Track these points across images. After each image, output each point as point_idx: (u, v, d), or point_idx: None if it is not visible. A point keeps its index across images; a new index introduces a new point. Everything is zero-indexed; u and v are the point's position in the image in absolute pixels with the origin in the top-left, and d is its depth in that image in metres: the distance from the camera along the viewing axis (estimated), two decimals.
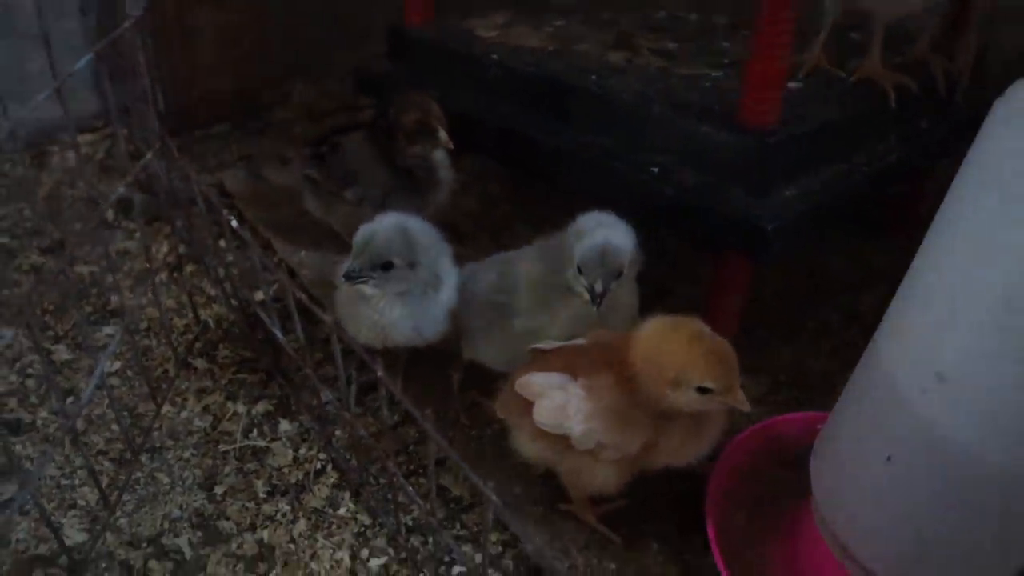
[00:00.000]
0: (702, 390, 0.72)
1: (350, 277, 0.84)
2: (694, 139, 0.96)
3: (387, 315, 0.87)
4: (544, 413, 0.76)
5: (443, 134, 1.06)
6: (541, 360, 0.81)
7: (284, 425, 0.96)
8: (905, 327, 0.66)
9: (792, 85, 1.05)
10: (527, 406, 0.77)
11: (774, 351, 1.10)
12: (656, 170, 0.98)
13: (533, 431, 0.77)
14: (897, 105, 1.04)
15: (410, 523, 0.86)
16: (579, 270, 0.83)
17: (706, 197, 0.93)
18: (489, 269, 0.94)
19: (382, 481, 0.90)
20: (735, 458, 0.85)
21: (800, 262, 1.28)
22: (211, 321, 1.09)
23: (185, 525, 0.85)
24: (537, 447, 0.80)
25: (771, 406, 0.98)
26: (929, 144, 1.10)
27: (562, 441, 0.77)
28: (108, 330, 1.08)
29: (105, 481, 0.88)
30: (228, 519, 0.86)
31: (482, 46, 1.23)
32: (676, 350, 0.73)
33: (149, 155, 0.88)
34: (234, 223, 0.75)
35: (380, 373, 0.64)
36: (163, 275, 1.16)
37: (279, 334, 0.84)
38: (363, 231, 0.84)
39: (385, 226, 0.85)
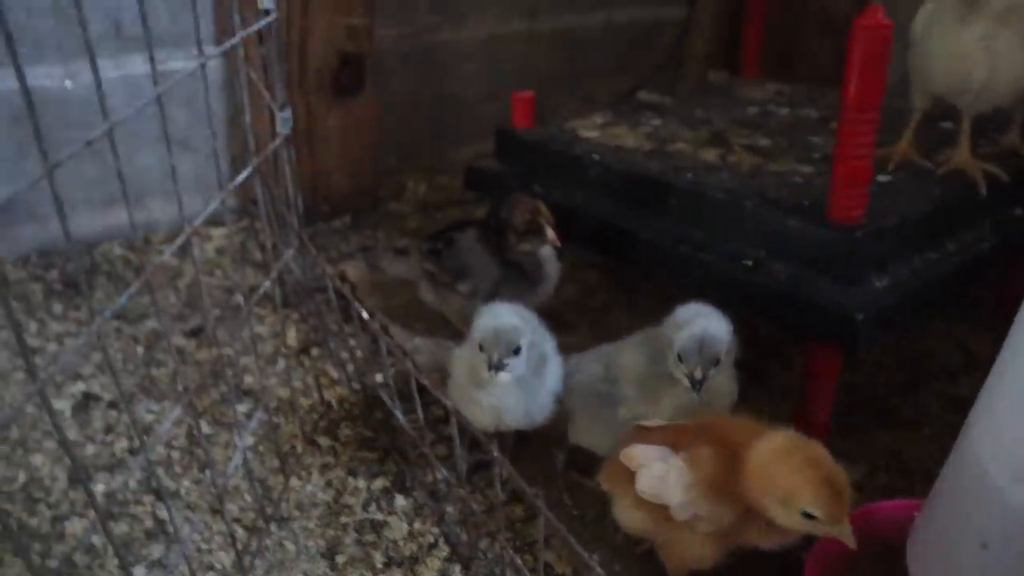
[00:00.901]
0: (808, 515, 0.76)
1: (499, 368, 0.92)
2: (785, 233, 1.02)
3: (502, 399, 0.95)
4: (645, 482, 0.81)
5: (551, 233, 1.14)
6: (644, 435, 0.86)
7: (400, 500, 1.04)
8: (995, 415, 0.68)
9: (881, 178, 1.10)
10: (629, 476, 0.83)
11: (871, 437, 1.11)
12: (749, 263, 1.03)
13: (634, 500, 0.82)
14: (989, 194, 1.07)
15: None
16: (679, 358, 0.89)
17: (797, 288, 0.97)
18: (593, 360, 1.00)
19: (491, 556, 0.96)
20: (830, 545, 0.87)
21: (898, 347, 1.30)
22: (334, 402, 1.19)
23: None
24: (638, 516, 0.85)
25: (867, 493, 0.99)
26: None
27: (662, 511, 0.82)
28: (242, 408, 1.19)
29: (238, 547, 0.96)
30: None
31: (583, 146, 1.32)
32: (791, 472, 0.76)
33: (291, 251, 0.99)
34: (364, 313, 0.85)
35: (496, 454, 0.71)
36: (292, 358, 1.27)
37: (399, 415, 0.92)
38: (489, 324, 0.92)
39: (507, 315, 0.93)
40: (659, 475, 0.81)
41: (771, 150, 1.26)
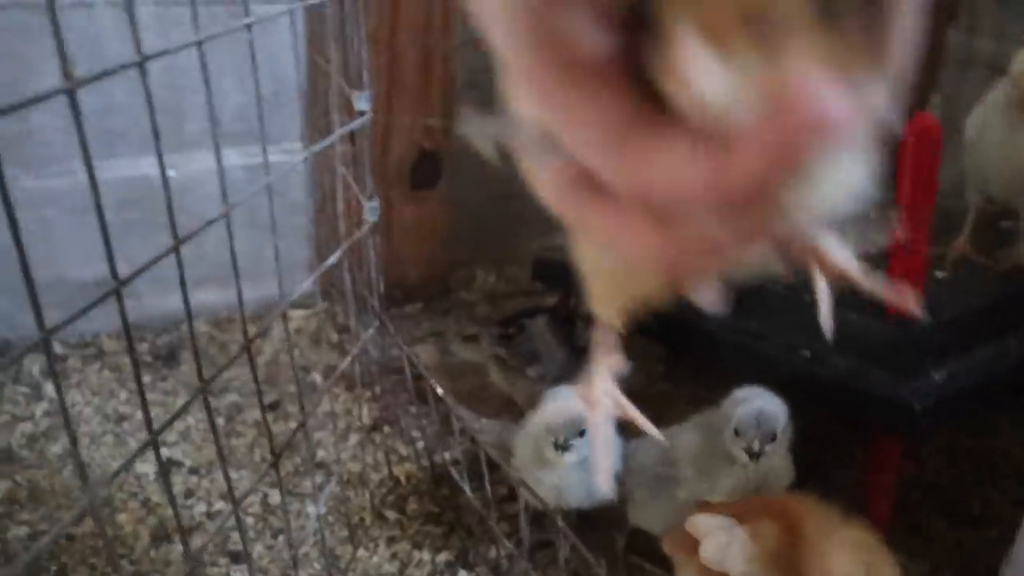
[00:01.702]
0: None
1: (565, 448, 0.97)
2: (844, 326, 1.04)
3: (564, 479, 0.98)
4: (710, 550, 0.84)
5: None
6: (709, 509, 0.89)
7: (463, 574, 1.07)
8: None
9: (939, 274, 1.13)
10: (694, 544, 0.85)
11: (935, 534, 1.11)
12: (807, 354, 1.06)
13: (698, 569, 0.84)
14: None
15: None
16: (736, 433, 0.92)
17: (856, 380, 1.00)
18: (652, 443, 1.04)
19: None
20: None
21: (967, 445, 1.29)
22: (403, 477, 1.24)
23: None
24: None
25: None
26: None
27: None
28: (316, 479, 1.24)
29: None
30: None
31: None
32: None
33: (371, 332, 1.06)
34: (440, 390, 0.90)
35: (561, 524, 0.74)
36: (364, 435, 1.33)
37: (467, 489, 0.96)
38: (556, 407, 0.98)
39: (573, 399, 0.98)
40: (722, 544, 0.83)
41: None
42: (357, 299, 1.22)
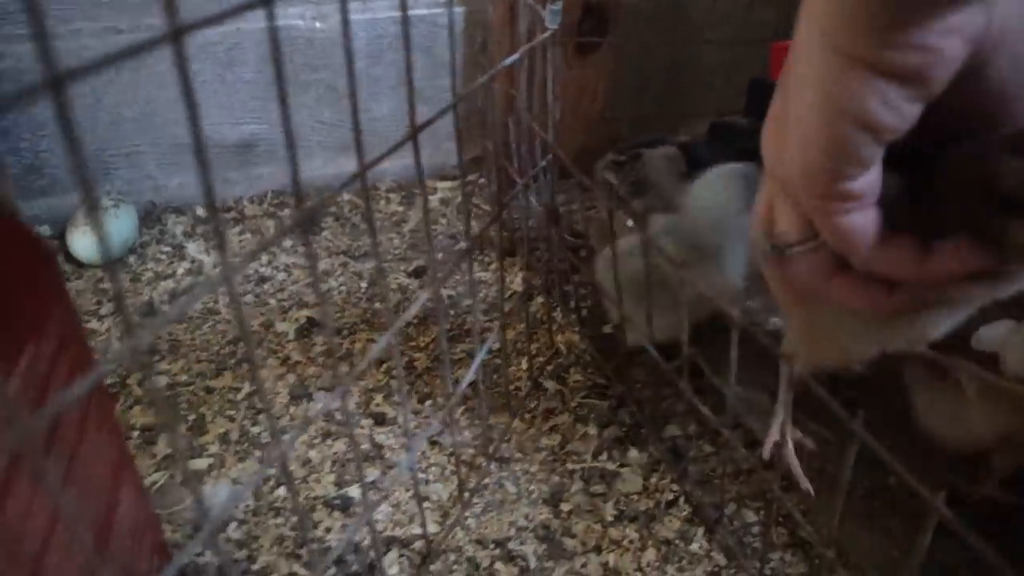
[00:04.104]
0: None
1: None
2: None
3: None
4: None
5: None
6: None
7: (633, 453, 0.92)
8: None
9: None
10: None
11: None
12: None
13: None
14: None
15: (768, 573, 0.77)
16: None
17: None
18: None
19: (737, 523, 0.82)
20: None
21: None
22: (563, 347, 1.10)
23: (530, 536, 0.83)
24: None
25: None
26: None
27: None
28: (462, 347, 1.12)
29: (456, 482, 0.89)
30: (574, 537, 0.83)
31: None
32: None
33: (540, 168, 0.91)
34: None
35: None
36: (518, 302, 1.19)
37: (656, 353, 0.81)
38: None
39: None
40: None
41: None
42: (520, 159, 1.07)
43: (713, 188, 0.89)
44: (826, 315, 0.59)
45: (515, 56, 0.74)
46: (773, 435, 0.82)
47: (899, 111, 0.40)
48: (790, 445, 0.82)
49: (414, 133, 0.59)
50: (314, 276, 0.72)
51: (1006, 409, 0.70)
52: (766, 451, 0.82)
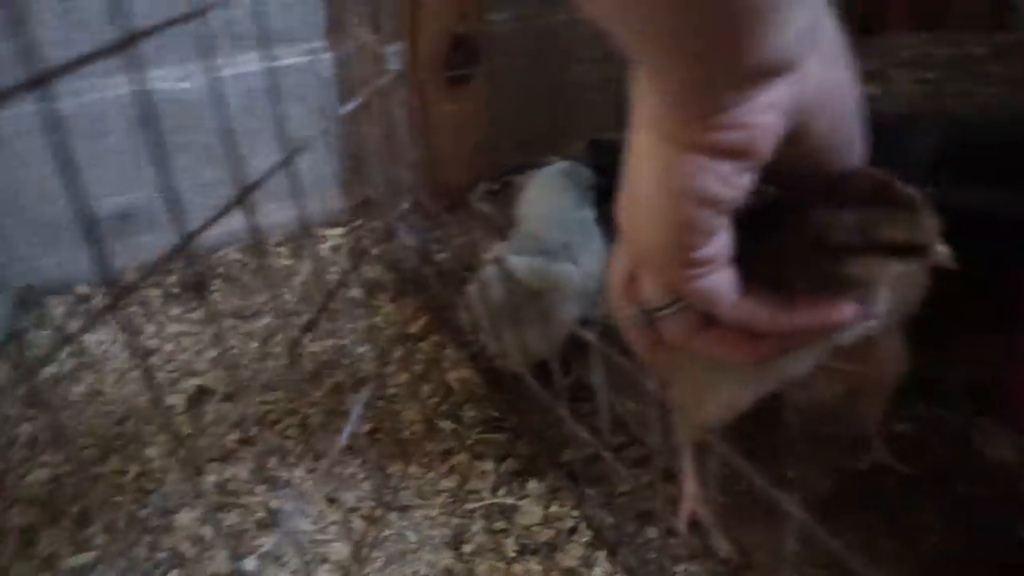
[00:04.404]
0: None
1: None
2: None
3: None
4: None
5: None
6: None
7: (532, 484, 0.91)
8: None
9: None
10: None
11: None
12: None
13: None
14: None
15: None
16: None
17: None
18: None
19: (639, 541, 0.82)
20: None
21: None
22: (456, 384, 1.08)
23: None
24: None
25: None
26: None
27: None
28: (358, 397, 1.10)
29: (355, 538, 0.86)
30: None
31: None
32: None
33: (405, 207, 0.90)
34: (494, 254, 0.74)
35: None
36: (411, 343, 1.18)
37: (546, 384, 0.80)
38: None
39: None
40: None
41: None
42: (391, 184, 1.06)
43: (542, 191, 0.89)
44: (700, 371, 0.61)
45: (356, 101, 0.73)
46: (686, 508, 0.81)
47: (734, 184, 0.43)
48: (703, 511, 0.81)
49: (242, 195, 0.58)
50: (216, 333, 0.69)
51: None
52: (682, 524, 0.81)
